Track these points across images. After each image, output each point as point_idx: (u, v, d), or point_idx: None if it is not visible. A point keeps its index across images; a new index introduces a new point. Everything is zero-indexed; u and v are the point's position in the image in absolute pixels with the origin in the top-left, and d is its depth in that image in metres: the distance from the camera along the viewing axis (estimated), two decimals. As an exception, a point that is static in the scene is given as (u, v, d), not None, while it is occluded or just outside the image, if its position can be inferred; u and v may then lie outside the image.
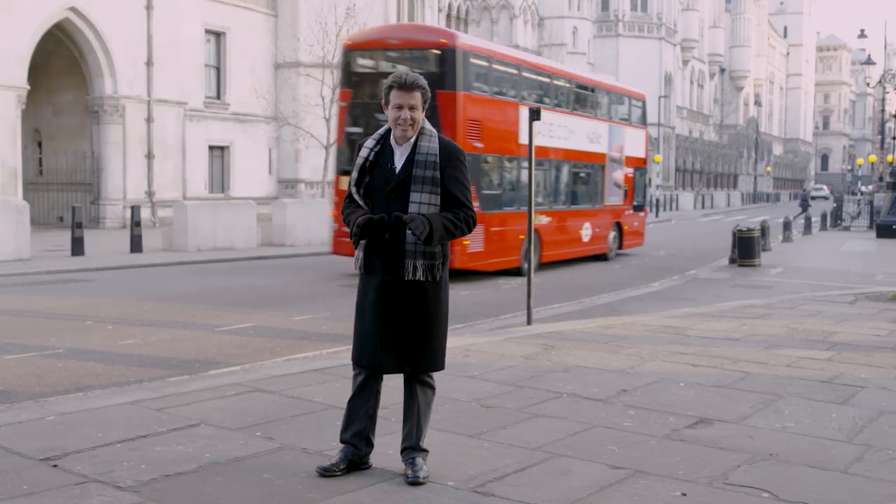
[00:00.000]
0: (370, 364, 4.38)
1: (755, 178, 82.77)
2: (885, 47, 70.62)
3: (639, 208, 22.86)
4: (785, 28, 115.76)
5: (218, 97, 32.87)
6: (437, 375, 4.57)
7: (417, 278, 4.29)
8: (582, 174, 19.91)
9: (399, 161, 4.36)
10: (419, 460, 4.42)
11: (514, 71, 17.24)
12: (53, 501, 4.05)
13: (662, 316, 10.94)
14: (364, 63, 16.43)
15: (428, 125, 4.44)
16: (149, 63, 28.32)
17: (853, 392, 6.64)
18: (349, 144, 15.62)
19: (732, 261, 19.17)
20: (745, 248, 18.80)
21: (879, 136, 68.49)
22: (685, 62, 75.58)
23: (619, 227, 21.48)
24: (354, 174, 4.41)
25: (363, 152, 4.42)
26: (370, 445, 4.51)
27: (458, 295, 12.29)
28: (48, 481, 4.29)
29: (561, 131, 18.38)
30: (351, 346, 4.51)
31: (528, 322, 9.97)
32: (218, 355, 8.41)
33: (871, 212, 38.34)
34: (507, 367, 7.35)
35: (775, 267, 18.88)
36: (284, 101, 32.12)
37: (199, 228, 19.89)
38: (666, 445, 5.16)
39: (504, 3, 55.44)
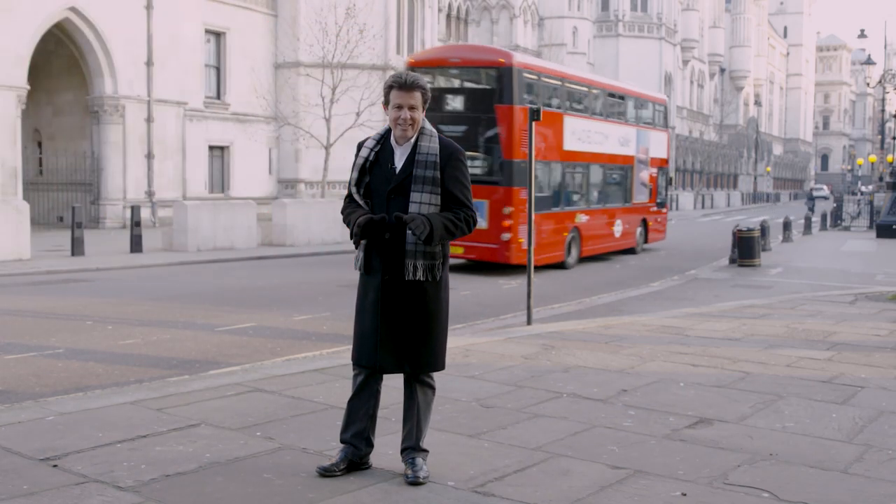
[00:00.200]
0: (370, 364, 4.38)
1: (755, 178, 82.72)
2: (885, 47, 70.57)
3: (661, 205, 24.51)
4: (785, 28, 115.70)
5: (218, 97, 32.86)
6: (437, 375, 4.57)
7: (417, 278, 4.29)
8: (614, 175, 21.55)
9: (399, 161, 4.36)
10: (419, 460, 4.42)
11: (558, 83, 18.80)
12: (53, 501, 4.05)
13: (662, 316, 10.95)
14: (426, 79, 17.25)
15: (428, 125, 4.44)
16: (149, 63, 28.30)
17: (853, 392, 6.64)
18: None
19: (732, 261, 19.18)
20: (745, 248, 18.81)
21: (879, 136, 68.48)
22: (685, 62, 75.55)
23: (644, 223, 23.18)
24: (354, 174, 4.41)
25: (363, 152, 4.42)
26: (370, 445, 4.51)
27: (458, 295, 12.30)
28: (48, 481, 4.29)
29: (597, 137, 20.15)
30: (351, 346, 4.51)
31: (528, 322, 9.98)
32: (218, 355, 8.41)
33: (871, 212, 38.34)
34: (507, 367, 7.35)
35: (775, 267, 18.88)
36: (284, 101, 32.10)
37: (199, 228, 19.88)
38: (666, 445, 5.16)
39: (504, 3, 55.40)
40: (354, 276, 4.54)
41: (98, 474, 4.40)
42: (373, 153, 4.40)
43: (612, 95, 21.67)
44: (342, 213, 4.48)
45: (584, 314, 11.46)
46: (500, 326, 10.15)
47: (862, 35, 54.91)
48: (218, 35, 32.67)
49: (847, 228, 37.01)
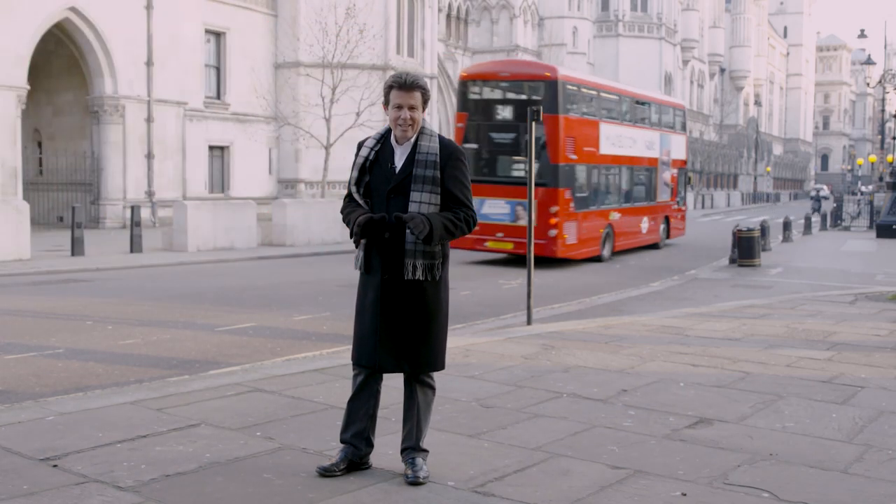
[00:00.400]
0: (370, 364, 4.38)
1: (755, 178, 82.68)
2: (885, 47, 70.57)
3: (681, 203, 26.45)
4: (785, 28, 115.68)
5: (218, 97, 32.85)
6: (437, 375, 4.56)
7: (417, 278, 4.29)
8: (641, 176, 23.32)
9: (399, 160, 4.35)
10: (419, 460, 4.42)
11: (595, 93, 20.68)
12: (53, 501, 4.05)
13: (662, 316, 10.95)
14: (478, 91, 19.70)
15: (428, 125, 4.44)
16: (149, 63, 28.30)
17: (853, 392, 6.64)
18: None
19: (732, 261, 19.18)
20: (745, 248, 18.81)
21: (879, 136, 68.47)
22: (685, 62, 75.55)
23: (667, 219, 25.00)
24: (354, 173, 4.41)
25: (363, 151, 4.42)
26: (370, 445, 4.51)
27: (458, 295, 12.29)
28: (48, 481, 4.29)
29: (627, 141, 21.91)
30: (351, 346, 4.51)
31: (528, 322, 9.97)
32: (218, 355, 8.41)
33: (871, 212, 38.33)
34: (507, 367, 7.35)
35: (775, 267, 18.88)
36: (284, 101, 32.09)
37: (199, 228, 19.87)
38: (666, 445, 5.16)
39: (504, 3, 55.40)
40: (354, 275, 4.54)
41: (98, 474, 4.40)
42: (373, 152, 4.40)
43: (638, 103, 23.51)
44: (342, 212, 4.48)
45: (584, 314, 11.46)
46: (500, 326, 10.14)
47: (862, 35, 54.88)
48: (218, 35, 32.66)
49: (847, 228, 37.00)
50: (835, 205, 43.57)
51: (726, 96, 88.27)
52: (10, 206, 17.50)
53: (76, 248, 17.96)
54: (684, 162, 26.79)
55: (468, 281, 15.17)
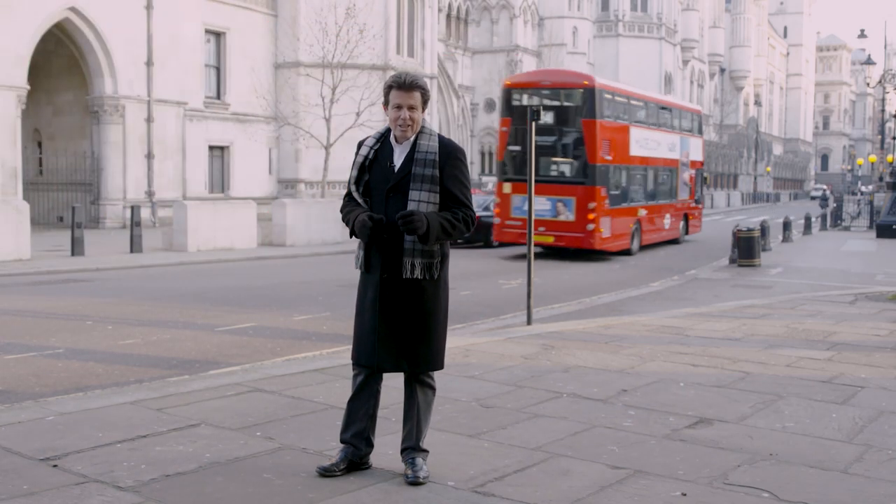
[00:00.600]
0: (369, 363, 4.38)
1: (755, 178, 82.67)
2: (885, 47, 70.50)
3: (698, 202, 28.18)
4: (785, 28, 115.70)
5: (218, 97, 32.86)
6: (437, 375, 4.56)
7: (415, 277, 4.29)
8: (664, 176, 25.06)
9: (398, 159, 4.35)
10: (419, 460, 4.42)
11: (625, 100, 22.35)
12: (53, 501, 4.05)
13: (662, 316, 10.95)
14: (521, 98, 21.26)
15: (428, 125, 4.44)
16: (149, 63, 28.31)
17: (853, 392, 6.64)
18: (510, 159, 20.86)
19: (732, 261, 19.17)
20: (745, 248, 18.81)
21: (879, 136, 68.45)
22: (685, 62, 75.56)
23: (686, 217, 26.85)
24: (354, 172, 4.41)
25: (363, 150, 4.42)
26: (370, 445, 4.51)
27: (458, 295, 12.29)
28: (48, 481, 4.29)
29: (653, 144, 23.69)
30: (351, 346, 4.51)
31: (528, 322, 9.97)
32: (218, 355, 8.41)
33: (871, 212, 38.31)
34: (507, 367, 7.35)
35: (775, 267, 18.88)
36: (284, 101, 32.10)
37: (199, 228, 19.88)
38: (666, 445, 5.16)
39: (504, 3, 55.42)
40: (354, 275, 4.54)
41: (98, 474, 4.40)
42: (373, 151, 4.40)
43: (662, 108, 25.53)
44: (341, 211, 4.49)
45: (584, 314, 11.46)
46: (500, 326, 10.14)
47: (862, 35, 54.87)
48: (218, 35, 32.67)
49: (847, 228, 36.99)
50: (835, 205, 43.57)
51: (726, 96, 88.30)
52: (10, 206, 17.51)
53: (76, 248, 17.97)
54: (701, 163, 28.56)
55: (468, 281, 15.16)
